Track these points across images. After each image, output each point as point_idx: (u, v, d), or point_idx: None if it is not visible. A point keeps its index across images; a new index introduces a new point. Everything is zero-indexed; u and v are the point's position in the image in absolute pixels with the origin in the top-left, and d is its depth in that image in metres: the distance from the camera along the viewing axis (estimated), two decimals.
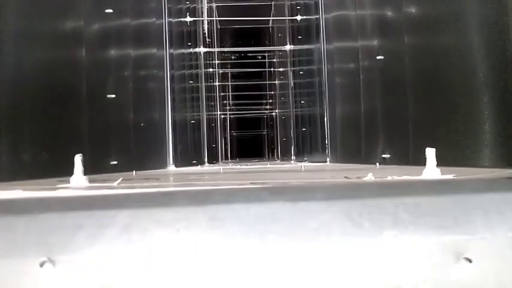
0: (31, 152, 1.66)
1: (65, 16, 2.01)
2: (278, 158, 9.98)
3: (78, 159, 1.21)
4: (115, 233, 0.55)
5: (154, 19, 3.96)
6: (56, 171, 1.71)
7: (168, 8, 4.34)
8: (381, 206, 0.58)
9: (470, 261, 0.48)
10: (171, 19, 4.47)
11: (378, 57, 2.56)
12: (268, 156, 12.57)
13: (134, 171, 2.36)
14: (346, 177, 1.37)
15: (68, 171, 1.34)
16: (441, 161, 1.84)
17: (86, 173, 1.95)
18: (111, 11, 2.49)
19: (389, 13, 2.46)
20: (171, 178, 1.54)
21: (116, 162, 2.42)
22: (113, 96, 2.43)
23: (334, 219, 0.56)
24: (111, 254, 0.54)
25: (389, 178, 1.19)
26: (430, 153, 1.25)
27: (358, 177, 1.29)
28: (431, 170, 1.22)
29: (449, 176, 1.18)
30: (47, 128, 1.79)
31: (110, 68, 2.61)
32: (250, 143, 13.37)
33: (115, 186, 1.10)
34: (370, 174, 1.22)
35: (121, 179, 1.19)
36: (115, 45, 2.70)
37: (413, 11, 2.13)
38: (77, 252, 0.52)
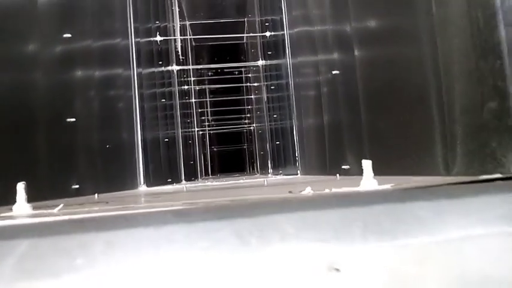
0: None
1: (19, 38, 2.02)
2: (258, 172, 9.99)
3: (20, 187, 1.22)
4: (13, 262, 0.57)
5: (120, 39, 3.98)
6: (8, 200, 1.70)
7: (134, 28, 4.37)
8: (272, 222, 0.62)
9: (338, 270, 0.52)
10: (138, 39, 4.50)
11: (333, 72, 2.64)
12: (249, 170, 12.56)
13: (96, 195, 2.36)
14: (290, 191, 1.41)
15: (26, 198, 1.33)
16: (389, 171, 1.90)
17: (47, 198, 1.95)
18: (69, 35, 2.51)
19: (341, 28, 2.54)
20: (121, 201, 1.56)
21: (77, 186, 2.42)
22: (73, 120, 2.43)
23: (225, 238, 0.60)
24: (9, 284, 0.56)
25: (326, 191, 1.24)
26: (366, 165, 1.30)
27: (300, 191, 1.33)
28: (368, 181, 1.28)
29: (387, 186, 1.24)
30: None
31: (71, 90, 2.61)
32: (232, 157, 13.38)
33: (55, 213, 1.12)
34: (308, 188, 1.26)
35: (62, 205, 1.21)
36: (76, 68, 2.72)
37: (362, 25, 2.21)
38: None
